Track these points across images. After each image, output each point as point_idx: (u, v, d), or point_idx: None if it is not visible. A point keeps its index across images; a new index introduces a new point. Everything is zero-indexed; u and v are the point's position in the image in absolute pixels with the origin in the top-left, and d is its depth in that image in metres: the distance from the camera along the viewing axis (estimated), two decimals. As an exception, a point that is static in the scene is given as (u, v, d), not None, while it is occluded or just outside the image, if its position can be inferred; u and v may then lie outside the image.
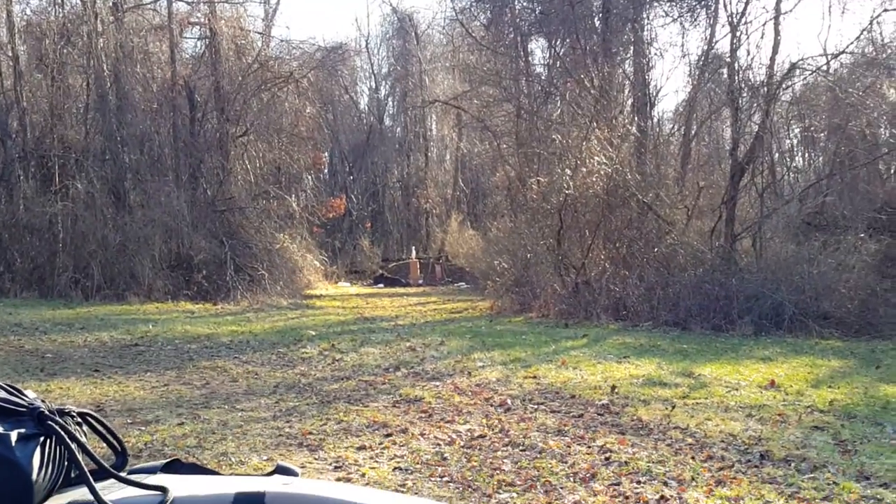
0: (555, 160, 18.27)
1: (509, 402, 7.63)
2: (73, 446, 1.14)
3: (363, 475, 5.22)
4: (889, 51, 18.91)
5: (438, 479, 5.18)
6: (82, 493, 1.13)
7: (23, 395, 1.16)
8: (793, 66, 17.57)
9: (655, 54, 27.79)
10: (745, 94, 17.56)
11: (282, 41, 27.19)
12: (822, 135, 20.70)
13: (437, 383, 8.68)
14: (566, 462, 5.54)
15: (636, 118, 18.62)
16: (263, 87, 23.30)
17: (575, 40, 21.03)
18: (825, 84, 18.34)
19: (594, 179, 16.71)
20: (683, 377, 8.89)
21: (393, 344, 11.98)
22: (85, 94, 21.28)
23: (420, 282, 29.82)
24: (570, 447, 5.93)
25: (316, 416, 7.02)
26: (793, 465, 5.35)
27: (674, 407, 7.24)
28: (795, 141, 24.03)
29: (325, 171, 35.56)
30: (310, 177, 28.31)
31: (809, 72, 18.07)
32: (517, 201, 20.92)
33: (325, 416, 7.05)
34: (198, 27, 24.02)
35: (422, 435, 6.33)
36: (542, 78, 23.76)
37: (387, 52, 41.19)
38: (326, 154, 34.86)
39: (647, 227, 16.57)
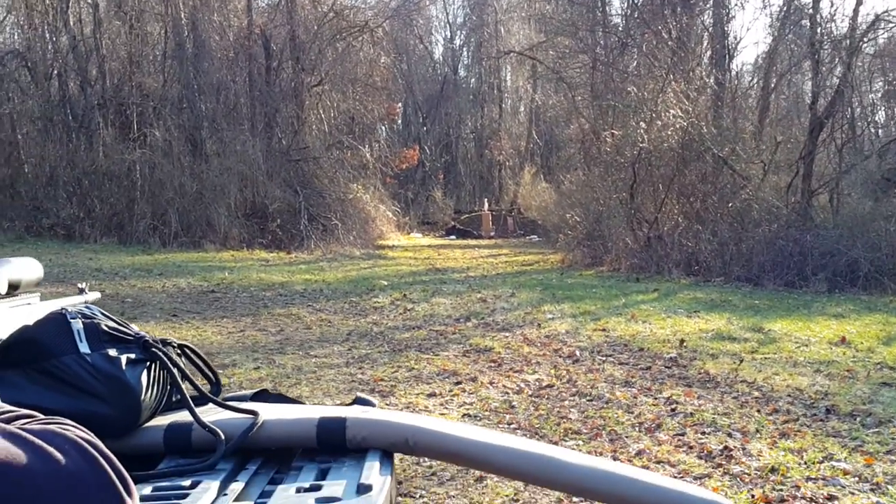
0: (630, 113, 18.06)
1: (578, 353, 7.72)
2: (175, 371, 1.27)
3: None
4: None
5: (506, 425, 5.31)
6: (183, 415, 1.26)
7: (129, 326, 1.29)
8: (877, 18, 17.00)
9: (735, 5, 27.11)
10: (826, 47, 17.07)
11: (357, -11, 27.21)
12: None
13: (507, 334, 8.81)
14: (632, 412, 5.62)
15: (714, 71, 18.26)
16: (338, 37, 23.43)
17: (653, -10, 20.63)
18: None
19: (669, 133, 16.50)
20: (753, 332, 8.84)
21: (464, 295, 12.13)
22: (163, 42, 21.69)
23: (492, 234, 29.90)
24: (636, 398, 6.00)
25: (387, 364, 7.21)
26: (858, 419, 5.34)
27: (742, 361, 7.23)
28: (878, 95, 23.29)
29: (399, 121, 35.70)
30: (384, 127, 28.50)
31: (894, 24, 17.45)
32: (591, 154, 20.78)
33: (397, 363, 7.23)
34: (274, -25, 24.18)
35: (491, 384, 6.47)
36: (619, 29, 23.37)
37: (462, 2, 40.95)
38: (400, 105, 34.93)
39: (722, 182, 16.34)
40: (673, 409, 5.68)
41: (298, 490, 1.06)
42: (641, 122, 16.87)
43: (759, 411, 5.59)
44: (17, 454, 0.80)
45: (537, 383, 6.53)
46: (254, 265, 15.67)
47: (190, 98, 20.82)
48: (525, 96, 37.64)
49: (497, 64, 37.52)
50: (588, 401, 5.96)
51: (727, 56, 20.49)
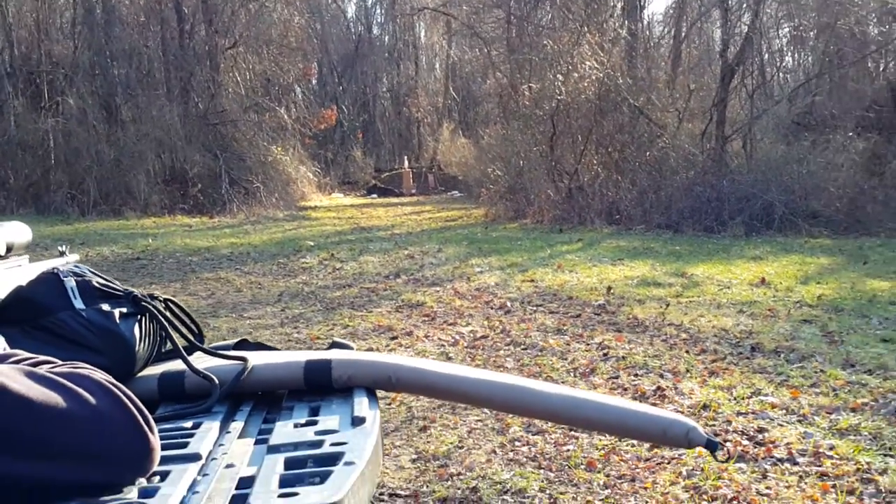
0: (546, 66, 18.21)
1: (509, 304, 7.87)
2: (165, 323, 1.33)
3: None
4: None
5: (445, 376, 5.42)
6: (174, 364, 1.31)
7: (116, 283, 1.34)
8: (784, -36, 17.42)
9: (646, -45, 27.29)
10: (735, -6, 17.45)
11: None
12: (812, 34, 20.61)
13: (438, 288, 8.91)
14: (566, 359, 5.78)
15: (626, 21, 18.47)
16: (251, -2, 22.98)
17: (565, -58, 20.69)
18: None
19: (586, 84, 16.71)
20: (676, 277, 9.13)
21: (391, 252, 12.19)
22: (71, 9, 20.99)
23: (413, 191, 29.89)
24: (569, 345, 6.17)
25: (322, 322, 7.25)
26: (782, 355, 5.59)
27: (668, 305, 7.48)
28: (785, 41, 23.91)
29: (315, 82, 35.22)
30: (300, 88, 28.12)
31: (801, -31, 17.92)
32: (509, 108, 20.89)
33: (331, 321, 7.28)
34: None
35: (426, 337, 6.57)
36: (532, -19, 23.41)
37: (373, -42, 40.39)
38: (315, 65, 34.46)
39: (639, 132, 16.65)
40: (605, 354, 5.86)
41: (296, 425, 1.13)
42: (558, 75, 17.03)
43: (687, 352, 5.81)
44: (54, 396, 0.86)
45: (472, 335, 6.65)
46: (177, 231, 15.45)
47: (102, 64, 20.23)
48: (440, 53, 37.47)
49: (411, 21, 37.23)
50: (522, 349, 6.11)
51: (639, 6, 20.76)
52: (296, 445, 1.03)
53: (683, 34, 20.10)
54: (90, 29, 20.31)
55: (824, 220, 13.44)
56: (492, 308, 7.75)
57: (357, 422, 1.11)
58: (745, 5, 17.74)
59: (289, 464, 0.96)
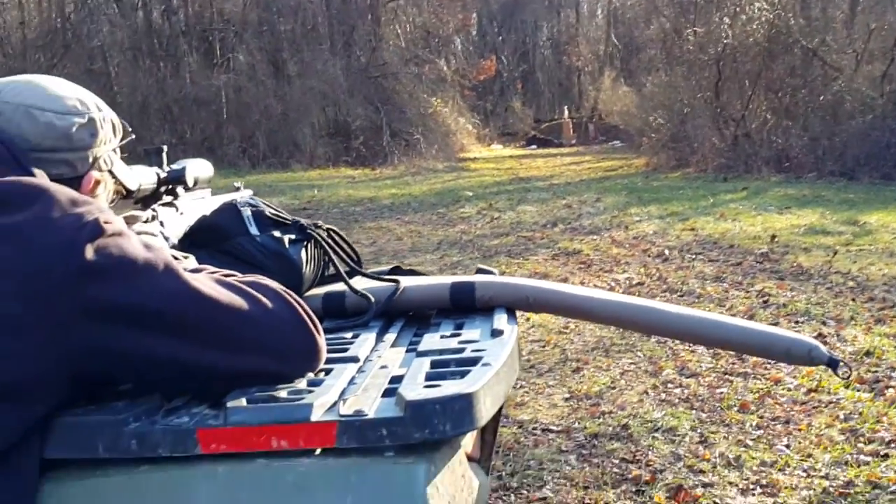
0: (712, 8, 17.64)
1: (667, 252, 7.80)
2: (328, 249, 1.49)
3: (527, 319, 5.57)
4: None
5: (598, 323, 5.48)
6: (335, 287, 1.48)
7: (285, 213, 1.52)
8: None
9: None
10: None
11: None
12: None
13: (595, 237, 8.93)
14: (724, 305, 5.72)
15: (801, -43, 17.61)
16: (412, -49, 23.28)
17: None
18: None
19: (754, 27, 16.10)
20: (848, 225, 8.77)
21: (549, 202, 12.24)
22: (242, -32, 21.92)
23: (573, 142, 29.69)
24: (727, 292, 6.10)
25: (479, 269, 7.43)
26: (957, 304, 5.35)
27: (836, 253, 7.22)
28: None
29: (474, 33, 35.32)
30: (459, 39, 28.31)
31: None
32: (673, 54, 20.34)
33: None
34: None
35: (582, 283, 6.64)
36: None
37: None
38: (475, 15, 34.54)
39: (812, 75, 15.89)
40: (765, 301, 5.77)
41: (442, 337, 1.26)
42: (725, 17, 16.47)
43: (853, 300, 5.63)
44: (238, 299, 1.03)
45: (627, 281, 6.67)
46: (341, 182, 16.02)
47: (270, 21, 21.08)
48: (602, -1, 36.79)
49: (573, -34, 36.70)
50: (679, 296, 6.09)
51: (815, -58, 19.66)
52: (441, 351, 1.17)
53: (863, -31, 18.91)
54: (258, -14, 21.15)
55: None
56: (649, 256, 7.71)
57: (496, 333, 1.23)
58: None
59: (434, 364, 1.10)
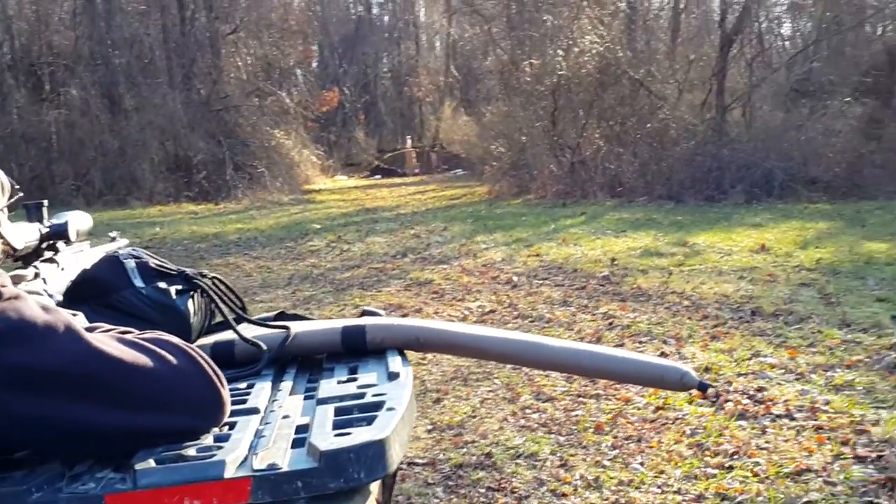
0: (546, 42, 18.29)
1: (515, 279, 8.03)
2: (215, 298, 1.49)
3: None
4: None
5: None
6: (223, 335, 1.48)
7: (168, 263, 1.50)
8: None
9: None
10: (732, -37, 17.47)
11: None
12: (809, 1, 20.58)
13: (445, 266, 9.07)
14: (573, 329, 5.95)
15: (625, -6, 18.54)
16: (251, -18, 23.09)
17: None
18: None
19: (586, 59, 16.81)
20: (679, 247, 9.28)
21: (397, 232, 12.35)
22: (73, -1, 21.15)
23: (417, 171, 30.04)
24: (575, 315, 6.34)
25: (333, 303, 7.42)
26: (781, 318, 5.76)
27: (670, 274, 7.64)
28: (783, 8, 23.86)
29: (316, 64, 35.26)
30: (301, 71, 28.20)
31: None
32: (510, 85, 20.92)
33: (342, 302, 7.45)
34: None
35: (436, 313, 6.75)
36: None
37: (371, -62, 40.32)
38: (316, 47, 34.53)
39: (640, 104, 16.75)
40: (610, 323, 6.03)
41: (339, 382, 1.29)
42: (559, 50, 17.13)
43: (690, 318, 5.98)
44: (142, 357, 1.03)
45: (480, 309, 6.83)
46: (183, 218, 15.62)
47: (104, 54, 20.38)
48: (441, 31, 37.52)
49: (411, 0, 37.25)
50: (530, 322, 6.28)
51: (638, -21, 20.75)
52: (341, 397, 1.19)
53: (682, 5, 20.10)
54: (91, 19, 20.46)
55: (823, 185, 13.58)
56: (499, 283, 7.91)
57: (393, 376, 1.28)
58: (742, -27, 17.77)
59: (338, 412, 1.13)
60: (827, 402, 4.00)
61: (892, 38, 17.46)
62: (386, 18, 40.56)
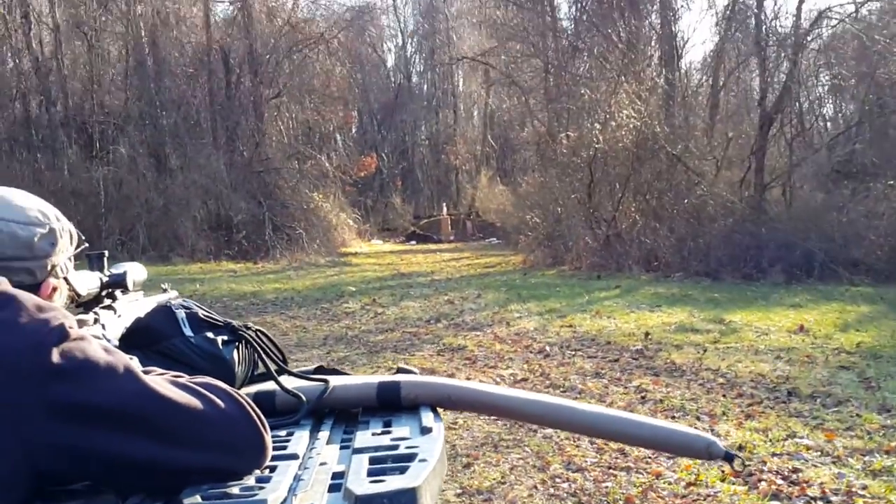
0: (584, 115, 18.50)
1: (548, 348, 8.02)
2: (259, 349, 1.56)
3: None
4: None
5: (487, 418, 5.58)
6: (265, 385, 1.54)
7: (216, 314, 1.57)
8: (820, 15, 17.68)
9: (681, 6, 27.68)
10: (772, 44, 17.65)
11: (311, 2, 27.41)
12: (851, 83, 20.67)
13: (478, 333, 9.09)
14: (605, 401, 5.92)
15: (664, 70, 18.75)
16: (295, 49, 23.68)
17: (601, -7, 21.11)
18: (853, 31, 18.31)
19: (623, 133, 16.92)
20: (715, 324, 9.21)
21: (431, 297, 12.41)
22: (123, 60, 21.81)
23: (452, 238, 30.20)
24: (607, 388, 6.32)
25: (366, 365, 7.46)
26: (818, 400, 5.69)
27: (705, 351, 7.58)
28: (824, 89, 23.98)
29: (355, 130, 35.86)
30: (340, 136, 28.68)
31: (836, 20, 18.10)
32: (547, 156, 21.13)
33: (376, 364, 7.48)
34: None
35: (468, 379, 6.74)
36: (569, 33, 23.81)
37: (413, 10, 41.28)
38: (356, 113, 35.14)
39: (677, 179, 16.77)
40: (643, 397, 6.00)
41: (374, 434, 1.34)
42: (596, 124, 17.29)
43: (724, 396, 5.92)
44: (193, 400, 1.09)
45: (512, 377, 6.82)
46: (223, 276, 15.83)
47: (152, 114, 20.97)
48: (479, 101, 38.05)
49: (450, 70, 37.94)
50: (562, 392, 6.26)
51: (676, 56, 21.01)
52: (376, 448, 1.24)
53: (721, 83, 20.25)
54: (141, 80, 21.09)
55: (865, 268, 13.39)
56: (531, 352, 7.91)
57: (425, 430, 1.32)
58: (783, 55, 17.94)
59: (372, 461, 1.17)
60: (864, 487, 3.94)
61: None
62: (425, 87, 41.29)
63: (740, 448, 4.64)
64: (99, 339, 1.32)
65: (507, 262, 18.80)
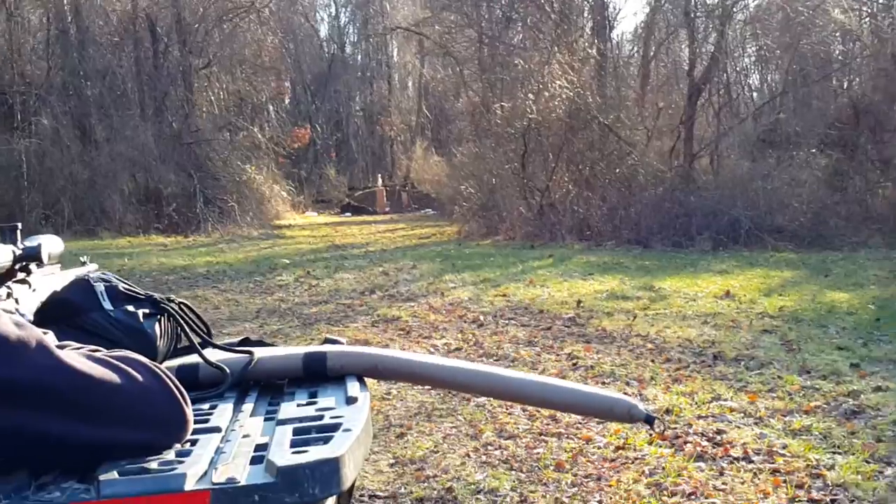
0: (517, 85, 18.56)
1: (481, 318, 8.08)
2: (182, 322, 1.53)
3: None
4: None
5: (421, 388, 5.61)
6: (188, 359, 1.52)
7: (137, 287, 1.55)
8: (747, -14, 17.91)
9: (614, -23, 27.77)
10: (700, 15, 17.89)
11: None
12: (776, 53, 21.09)
13: (412, 304, 9.11)
14: (537, 368, 6.00)
15: (596, 41, 18.87)
16: (225, 18, 23.24)
17: (534, -36, 21.08)
18: (777, 3, 18.63)
19: (556, 103, 17.03)
20: (645, 291, 9.38)
21: (366, 269, 12.38)
22: (45, 29, 21.14)
23: (387, 209, 30.15)
24: (539, 356, 6.40)
25: (300, 337, 7.42)
26: (742, 363, 5.84)
27: (635, 318, 7.72)
28: (751, 60, 24.43)
29: (288, 101, 35.42)
30: (273, 107, 28.32)
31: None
32: (481, 127, 21.17)
33: (309, 336, 7.45)
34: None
35: (402, 349, 6.76)
36: (503, 3, 23.77)
37: (346, -21, 40.78)
38: (289, 84, 34.72)
39: (609, 149, 16.97)
40: (574, 364, 6.09)
41: (299, 405, 1.34)
42: (529, 94, 17.36)
43: (653, 361, 6.05)
44: (110, 373, 1.07)
45: (446, 347, 6.87)
46: (152, 250, 15.56)
47: (76, 84, 20.40)
48: (413, 71, 37.87)
49: (384, 40, 37.65)
50: (495, 360, 6.32)
51: (608, 27, 21.17)
52: (300, 419, 1.24)
53: (652, 53, 20.50)
54: (64, 49, 20.49)
55: (789, 234, 13.78)
56: (465, 322, 7.96)
57: (350, 401, 1.32)
58: (711, 26, 18.20)
59: (296, 432, 1.17)
60: (784, 446, 4.06)
61: (857, 92, 17.85)
62: (359, 58, 40.97)
63: (667, 411, 4.75)
64: (11, 313, 1.29)
65: (442, 233, 18.84)
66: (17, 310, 1.40)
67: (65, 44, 20.45)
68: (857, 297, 8.54)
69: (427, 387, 4.71)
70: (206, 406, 1.34)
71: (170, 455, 1.10)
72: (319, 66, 38.20)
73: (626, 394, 5.13)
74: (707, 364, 5.88)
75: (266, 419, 1.29)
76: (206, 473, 1.03)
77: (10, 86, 20.23)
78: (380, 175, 33.84)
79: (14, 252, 1.54)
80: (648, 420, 1.46)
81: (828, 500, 3.45)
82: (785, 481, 3.63)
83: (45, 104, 19.86)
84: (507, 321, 7.92)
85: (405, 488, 3.79)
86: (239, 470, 1.04)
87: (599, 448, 4.15)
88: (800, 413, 4.61)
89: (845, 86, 19.66)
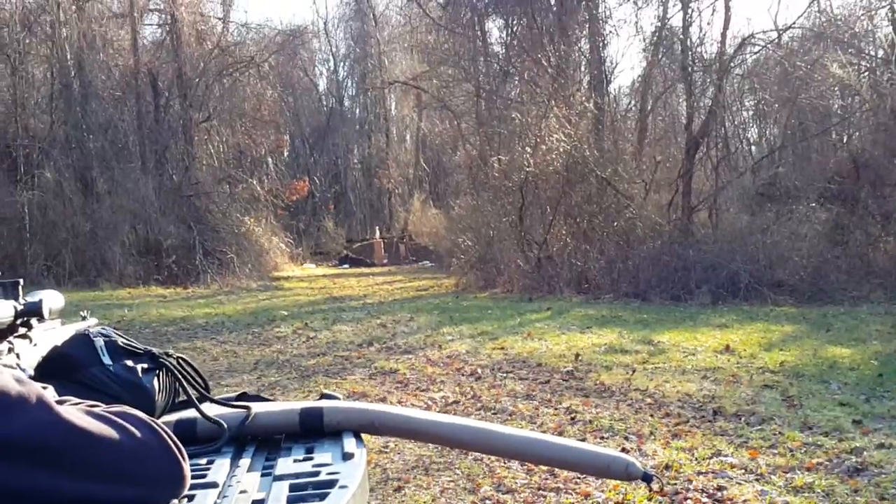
0: (515, 138, 18.67)
1: (479, 371, 8.05)
2: (180, 377, 1.54)
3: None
4: (839, 23, 19.39)
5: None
6: (186, 413, 1.52)
7: (136, 342, 1.55)
8: (743, 41, 18.14)
9: (610, 32, 28.18)
10: (697, 70, 18.09)
11: (241, 25, 27.34)
12: (775, 107, 21.26)
13: (410, 356, 9.08)
14: (535, 422, 5.96)
15: (593, 95, 19.04)
16: (225, 72, 23.54)
17: (531, 20, 21.39)
18: (775, 58, 18.86)
19: (554, 157, 17.12)
20: (643, 344, 9.35)
21: (364, 321, 12.36)
22: (49, 84, 21.39)
23: (385, 261, 30.17)
24: (538, 409, 6.36)
25: (298, 389, 7.40)
26: (743, 419, 5.80)
27: (634, 371, 7.69)
28: (749, 114, 24.62)
29: (287, 154, 35.67)
30: (272, 160, 28.51)
31: (760, 46, 18.65)
32: (479, 180, 21.27)
33: (307, 388, 7.42)
34: (158, 14, 24.10)
35: (400, 402, 6.73)
36: (500, 57, 24.09)
37: (345, 34, 41.31)
38: (287, 137, 34.98)
39: (607, 202, 17.02)
40: (573, 418, 6.05)
41: (295, 460, 1.33)
42: (527, 147, 17.47)
43: (652, 416, 6.01)
44: (108, 429, 1.07)
45: (443, 400, 6.83)
46: (152, 301, 15.56)
47: (78, 138, 20.61)
48: (411, 125, 38.20)
49: (382, 94, 38.03)
50: (493, 414, 6.29)
51: (605, 80, 21.41)
52: (297, 475, 1.24)
53: (649, 107, 20.65)
54: (67, 103, 20.73)
55: (789, 288, 13.72)
56: (463, 375, 7.93)
57: (347, 457, 1.32)
58: (708, 80, 18.40)
59: (292, 488, 1.17)
60: (786, 503, 4.03)
61: (857, 146, 17.96)
62: (357, 111, 41.32)
63: (667, 467, 4.71)
64: (11, 368, 1.29)
65: (439, 285, 18.84)
66: (17, 364, 1.41)
67: (68, 98, 20.69)
68: (859, 352, 8.49)
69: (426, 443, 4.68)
70: (203, 461, 1.34)
71: (167, 512, 1.09)
72: (318, 120, 38.54)
73: (624, 449, 5.11)
74: (707, 419, 5.85)
75: (263, 475, 1.29)
76: (203, 530, 1.03)
77: (14, 139, 20.41)
78: (377, 227, 33.92)
79: (16, 307, 1.55)
80: (646, 478, 1.46)
81: (830, 557, 3.41)
82: (786, 538, 3.59)
83: (48, 157, 20.05)
84: (504, 374, 7.89)
85: (402, 545, 3.75)
86: (236, 526, 1.04)
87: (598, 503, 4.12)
88: (802, 470, 4.57)
89: (845, 140, 19.78)
